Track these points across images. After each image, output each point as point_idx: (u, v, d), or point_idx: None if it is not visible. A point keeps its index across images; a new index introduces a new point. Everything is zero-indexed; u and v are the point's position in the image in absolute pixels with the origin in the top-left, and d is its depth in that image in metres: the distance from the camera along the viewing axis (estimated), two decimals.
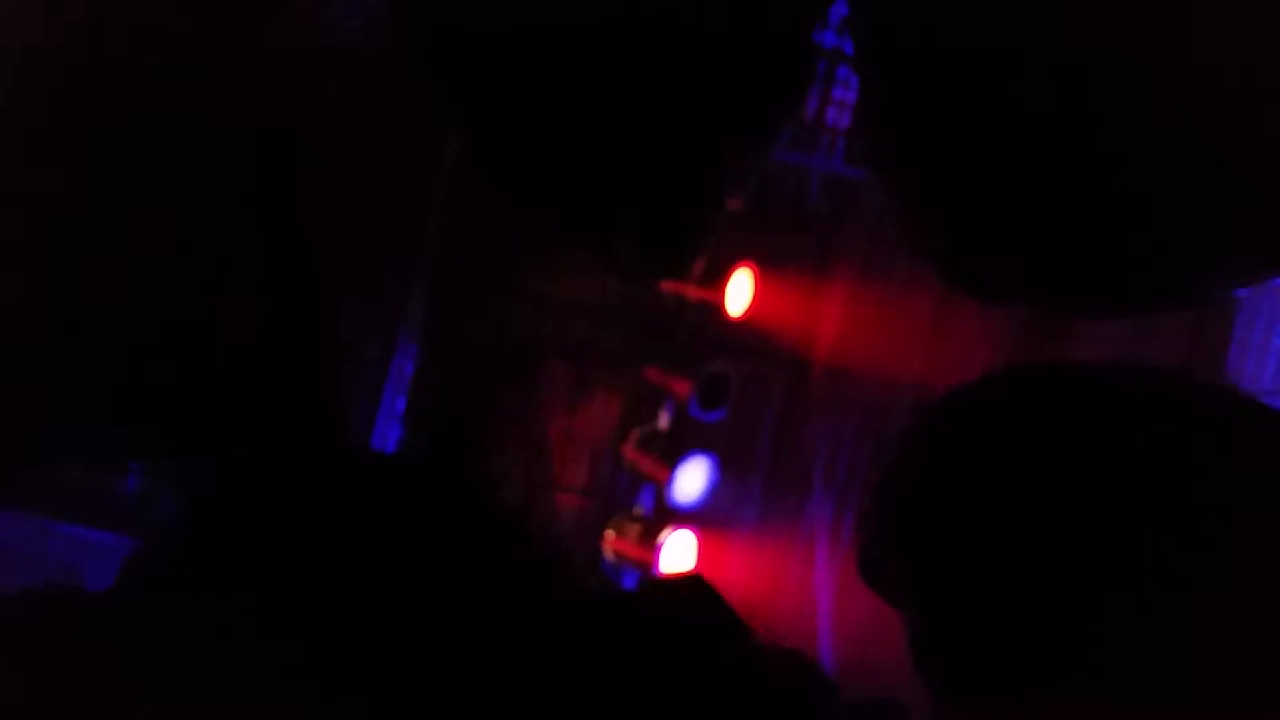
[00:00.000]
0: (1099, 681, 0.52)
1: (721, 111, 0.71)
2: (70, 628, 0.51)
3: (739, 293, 1.11)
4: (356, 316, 0.93)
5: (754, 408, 1.16)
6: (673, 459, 1.16)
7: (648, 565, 1.21)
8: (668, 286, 1.10)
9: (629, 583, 1.20)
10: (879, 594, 0.67)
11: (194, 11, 0.76)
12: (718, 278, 1.10)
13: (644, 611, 0.60)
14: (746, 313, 1.12)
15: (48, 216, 0.73)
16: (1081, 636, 0.52)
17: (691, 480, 1.17)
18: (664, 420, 1.16)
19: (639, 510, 1.24)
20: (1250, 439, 0.56)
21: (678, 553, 1.22)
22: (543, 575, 0.58)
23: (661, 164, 0.73)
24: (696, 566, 1.24)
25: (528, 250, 1.03)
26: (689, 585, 0.64)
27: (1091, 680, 0.52)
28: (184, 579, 0.54)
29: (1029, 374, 0.67)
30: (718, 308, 1.12)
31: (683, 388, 1.16)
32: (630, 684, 0.53)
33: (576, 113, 0.69)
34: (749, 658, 0.58)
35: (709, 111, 0.70)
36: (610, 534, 1.23)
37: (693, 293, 1.10)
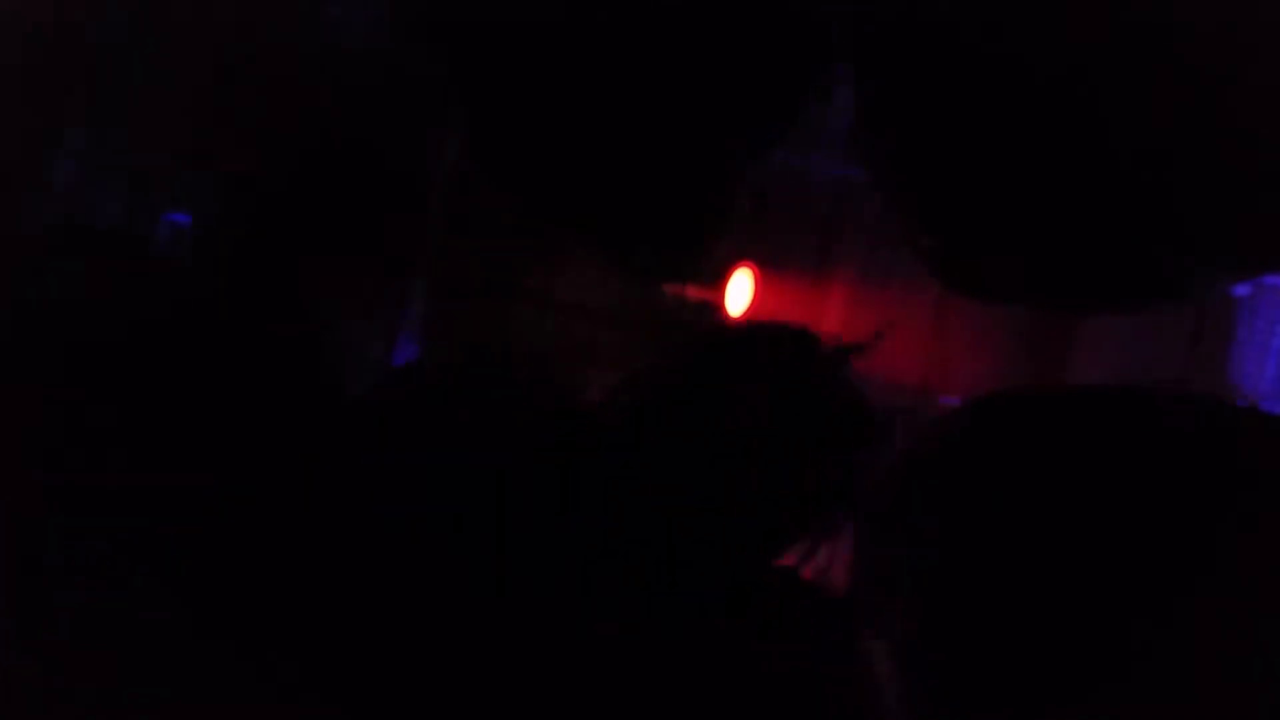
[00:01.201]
0: (1094, 716, 0.51)
1: (738, 112, 0.70)
2: None
3: (739, 293, 1.11)
4: (356, 316, 0.93)
5: None
6: None
7: None
8: (668, 286, 1.10)
9: None
10: (869, 625, 0.67)
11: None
12: (718, 278, 1.10)
13: None
14: (746, 313, 1.12)
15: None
16: (1075, 669, 0.52)
17: None
18: None
19: None
20: (1247, 454, 0.56)
21: None
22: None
23: (676, 165, 0.73)
24: None
25: (528, 250, 1.03)
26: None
27: (1087, 715, 0.52)
28: None
29: (1004, 403, 0.67)
30: (718, 308, 1.11)
31: None
32: None
33: (589, 113, 0.69)
34: None
35: (725, 113, 0.70)
36: None
37: (693, 293, 1.10)
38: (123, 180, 0.86)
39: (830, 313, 1.15)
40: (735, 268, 1.14)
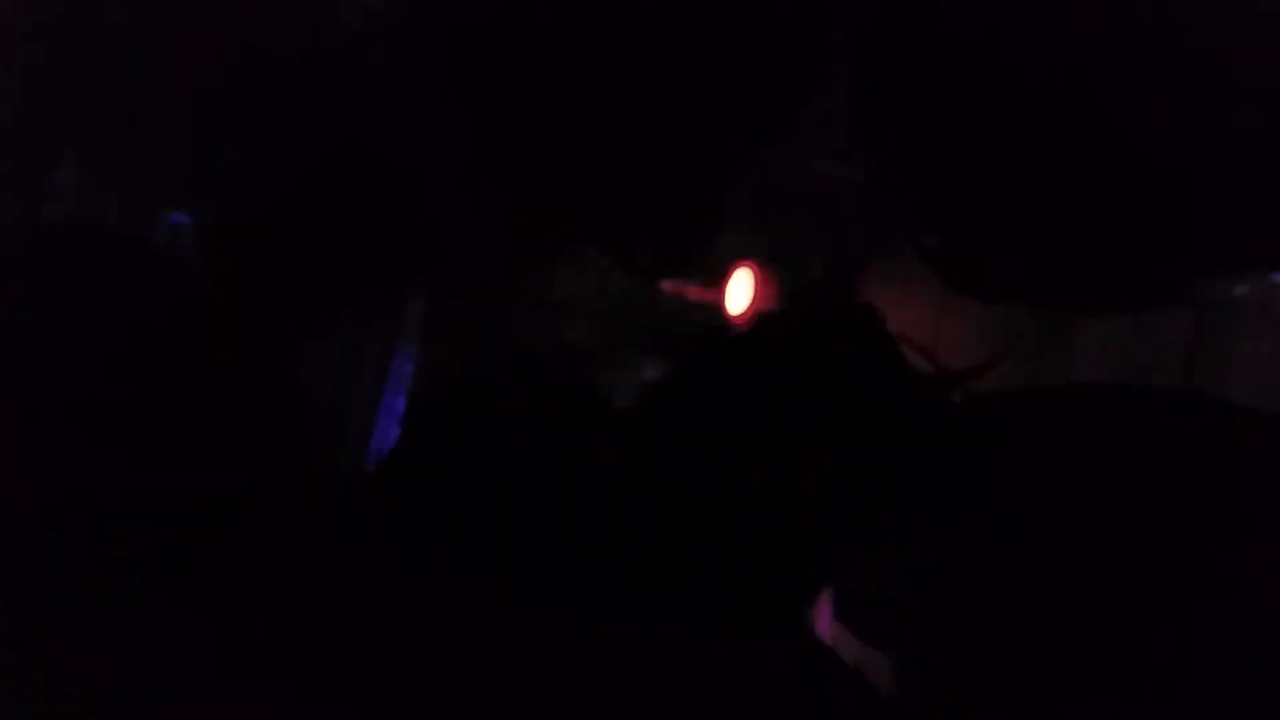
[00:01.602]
0: (1095, 716, 0.51)
1: (737, 108, 0.71)
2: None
3: (739, 293, 1.11)
4: (356, 316, 0.93)
5: None
6: None
7: None
8: (668, 286, 1.10)
9: None
10: (857, 636, 0.66)
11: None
12: (718, 278, 1.10)
13: None
14: (746, 313, 1.11)
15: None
16: (1076, 669, 0.52)
17: None
18: None
19: None
20: (1247, 454, 0.56)
21: None
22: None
23: (675, 164, 0.73)
24: None
25: (528, 250, 1.03)
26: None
27: (1087, 715, 0.51)
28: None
29: (1004, 403, 0.67)
30: (718, 308, 1.11)
31: None
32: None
33: (589, 113, 0.69)
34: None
35: (724, 109, 0.70)
36: None
37: (693, 293, 1.10)
38: (123, 180, 0.86)
39: None
40: (735, 268, 1.14)
